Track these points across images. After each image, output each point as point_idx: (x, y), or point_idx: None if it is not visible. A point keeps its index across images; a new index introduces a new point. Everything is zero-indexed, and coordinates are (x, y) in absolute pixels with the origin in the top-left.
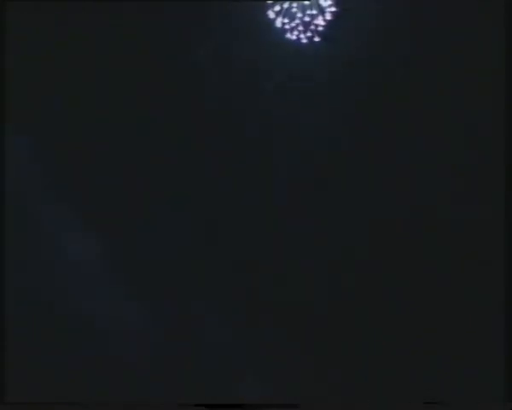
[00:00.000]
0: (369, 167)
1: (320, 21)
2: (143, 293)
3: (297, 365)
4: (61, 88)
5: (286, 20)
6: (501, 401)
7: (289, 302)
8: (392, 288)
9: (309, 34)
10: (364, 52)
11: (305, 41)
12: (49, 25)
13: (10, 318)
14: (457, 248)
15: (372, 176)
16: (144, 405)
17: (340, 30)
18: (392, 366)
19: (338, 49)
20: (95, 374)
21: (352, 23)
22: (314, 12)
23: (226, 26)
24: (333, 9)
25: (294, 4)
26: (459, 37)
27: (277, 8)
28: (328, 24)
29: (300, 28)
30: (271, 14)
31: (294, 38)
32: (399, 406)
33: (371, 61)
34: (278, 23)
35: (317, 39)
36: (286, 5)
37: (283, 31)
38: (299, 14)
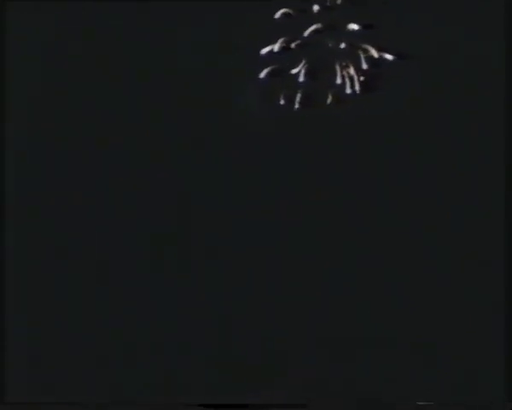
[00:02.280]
0: (369, 166)
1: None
2: (143, 292)
3: (299, 361)
4: (61, 88)
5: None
6: (501, 401)
7: (290, 300)
8: (393, 288)
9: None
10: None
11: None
12: (49, 25)
13: (10, 318)
14: (457, 248)
15: (372, 175)
16: (145, 405)
17: None
18: (392, 366)
19: None
20: (95, 374)
21: None
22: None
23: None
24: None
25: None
26: (459, 37)
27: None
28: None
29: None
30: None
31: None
32: (399, 406)
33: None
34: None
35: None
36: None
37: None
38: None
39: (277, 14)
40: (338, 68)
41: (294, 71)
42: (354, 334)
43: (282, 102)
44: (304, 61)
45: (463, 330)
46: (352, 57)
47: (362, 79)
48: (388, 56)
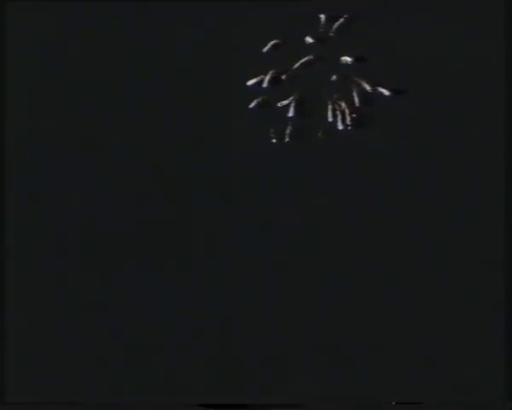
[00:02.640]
0: (369, 167)
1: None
2: (143, 292)
3: (297, 365)
4: (61, 88)
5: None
6: (501, 401)
7: (289, 302)
8: (392, 288)
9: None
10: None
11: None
12: (49, 25)
13: (10, 318)
14: (457, 248)
15: (372, 176)
16: (145, 405)
17: None
18: (392, 366)
19: None
20: (95, 374)
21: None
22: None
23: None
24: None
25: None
26: (459, 37)
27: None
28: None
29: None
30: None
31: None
32: (399, 406)
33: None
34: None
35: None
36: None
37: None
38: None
39: (266, 47)
40: (329, 103)
41: (283, 103)
42: (353, 339)
43: (273, 140)
44: (294, 95)
45: (463, 330)
46: (344, 91)
47: (354, 115)
48: (384, 91)
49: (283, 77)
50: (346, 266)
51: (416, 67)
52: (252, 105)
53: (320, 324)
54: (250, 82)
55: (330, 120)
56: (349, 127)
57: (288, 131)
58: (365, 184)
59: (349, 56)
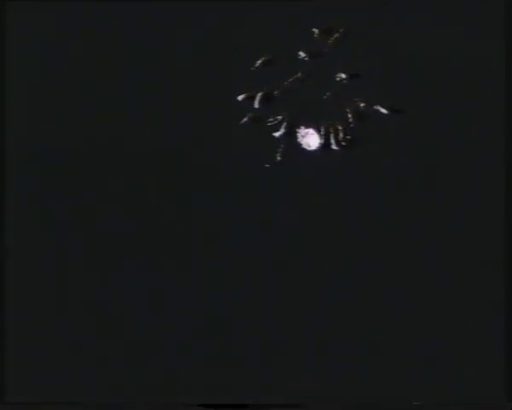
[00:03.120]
0: (369, 167)
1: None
2: (143, 292)
3: (297, 365)
4: (61, 88)
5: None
6: (501, 401)
7: (289, 302)
8: (392, 288)
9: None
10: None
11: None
12: (49, 25)
13: (10, 318)
14: (457, 248)
15: (372, 176)
16: (145, 405)
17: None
18: (392, 366)
19: None
20: (95, 374)
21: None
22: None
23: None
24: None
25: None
26: (459, 37)
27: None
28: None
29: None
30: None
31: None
32: (399, 406)
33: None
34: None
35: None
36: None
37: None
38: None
39: (257, 63)
40: (323, 125)
41: (275, 121)
42: (353, 339)
43: (267, 165)
44: (285, 114)
45: (463, 330)
46: (339, 108)
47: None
48: (382, 110)
49: (276, 92)
50: (346, 266)
51: (416, 67)
52: (243, 121)
53: (320, 324)
54: (240, 97)
55: (322, 142)
56: (343, 145)
57: (280, 150)
58: (365, 184)
59: (347, 62)
